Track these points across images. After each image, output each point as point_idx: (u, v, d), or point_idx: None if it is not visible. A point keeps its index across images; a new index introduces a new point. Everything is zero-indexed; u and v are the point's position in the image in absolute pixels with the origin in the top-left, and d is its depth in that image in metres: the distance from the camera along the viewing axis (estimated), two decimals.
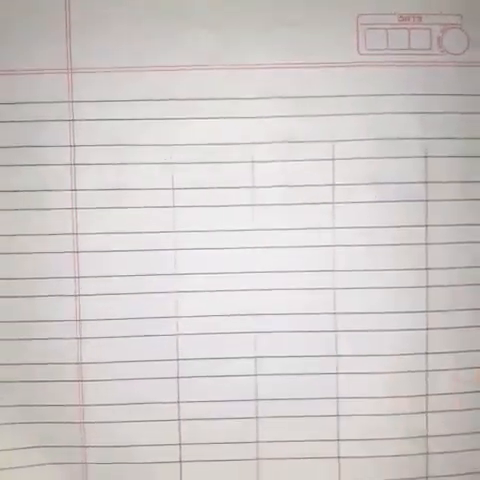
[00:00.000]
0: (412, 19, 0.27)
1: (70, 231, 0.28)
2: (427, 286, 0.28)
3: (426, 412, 0.28)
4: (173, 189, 0.28)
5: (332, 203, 0.28)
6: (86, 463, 0.28)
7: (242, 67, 0.28)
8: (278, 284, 0.28)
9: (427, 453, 0.28)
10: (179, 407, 0.28)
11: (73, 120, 0.27)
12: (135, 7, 0.27)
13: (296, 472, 0.28)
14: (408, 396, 0.28)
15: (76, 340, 0.28)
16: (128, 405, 0.28)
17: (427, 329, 0.28)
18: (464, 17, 0.27)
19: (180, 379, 0.28)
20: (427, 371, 0.28)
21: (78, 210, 0.28)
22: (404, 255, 0.28)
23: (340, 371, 0.28)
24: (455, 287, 0.28)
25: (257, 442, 0.28)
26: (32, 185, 0.28)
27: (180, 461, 0.28)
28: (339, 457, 0.28)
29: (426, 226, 0.28)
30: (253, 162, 0.28)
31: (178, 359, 0.28)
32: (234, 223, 0.28)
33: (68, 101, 0.27)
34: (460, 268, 0.28)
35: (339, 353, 0.28)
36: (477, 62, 0.28)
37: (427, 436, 0.28)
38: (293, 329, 0.28)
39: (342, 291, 0.28)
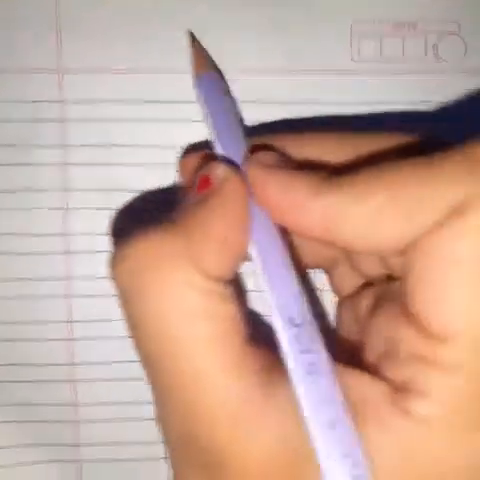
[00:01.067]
0: (407, 27, 0.27)
1: (60, 231, 0.28)
2: None
3: None
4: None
5: None
6: (81, 461, 0.29)
7: (235, 72, 0.27)
8: None
9: None
10: None
11: (64, 120, 0.27)
12: (125, 9, 0.27)
13: None
14: None
15: (68, 341, 0.28)
16: (122, 404, 0.29)
17: None
18: (462, 24, 0.27)
19: None
20: None
21: (69, 210, 0.28)
22: None
23: None
24: None
25: None
26: (22, 185, 0.28)
27: None
28: None
29: None
30: None
31: None
32: None
33: (59, 101, 0.27)
34: None
35: None
36: (475, 70, 0.27)
37: None
38: None
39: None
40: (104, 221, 0.28)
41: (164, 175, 0.28)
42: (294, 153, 0.22)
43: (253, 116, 0.27)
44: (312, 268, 0.26)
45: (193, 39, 0.27)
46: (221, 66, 0.27)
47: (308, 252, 0.23)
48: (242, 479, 0.17)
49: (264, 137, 0.22)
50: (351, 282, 0.24)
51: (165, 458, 0.29)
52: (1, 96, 0.27)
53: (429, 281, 0.17)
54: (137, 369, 0.28)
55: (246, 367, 0.18)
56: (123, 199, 0.28)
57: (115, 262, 0.20)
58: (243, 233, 0.20)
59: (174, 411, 0.19)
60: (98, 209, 0.28)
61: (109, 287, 0.27)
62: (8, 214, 0.28)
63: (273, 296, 0.19)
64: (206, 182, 0.20)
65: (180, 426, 0.19)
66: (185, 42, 0.27)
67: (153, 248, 0.19)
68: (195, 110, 0.26)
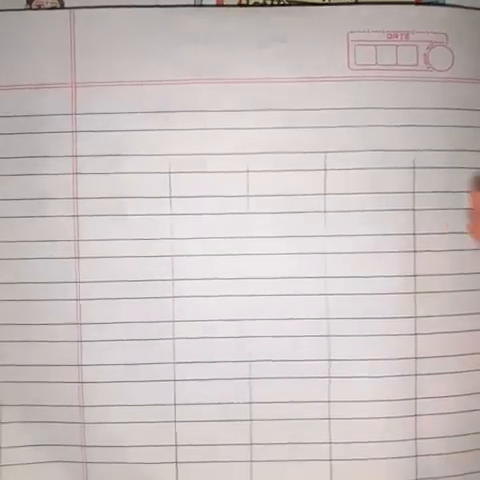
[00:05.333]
0: (400, 36, 0.28)
1: (72, 238, 0.29)
2: (415, 292, 0.29)
3: (415, 415, 0.29)
4: (170, 197, 0.29)
5: (324, 212, 0.29)
6: (86, 462, 0.29)
7: (237, 81, 0.28)
8: (271, 290, 0.29)
9: (416, 456, 0.29)
10: (175, 409, 0.29)
11: (76, 131, 0.28)
12: (135, 25, 0.28)
13: (288, 475, 0.29)
14: (398, 400, 0.29)
15: (77, 343, 0.29)
16: (127, 406, 0.29)
17: (415, 334, 0.29)
18: (449, 36, 0.28)
19: (176, 382, 0.29)
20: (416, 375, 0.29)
21: (79, 217, 0.29)
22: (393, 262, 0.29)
23: (332, 375, 0.29)
24: (443, 293, 0.29)
25: (251, 444, 0.29)
26: (36, 193, 0.28)
27: (176, 462, 0.29)
28: (331, 460, 0.29)
29: (414, 234, 0.29)
30: (248, 172, 0.29)
31: (175, 362, 0.29)
32: (229, 229, 0.29)
33: (72, 114, 0.28)
34: (447, 275, 0.29)
35: (331, 357, 0.29)
36: (461, 78, 0.29)
37: (416, 439, 0.29)
38: (285, 334, 0.29)
39: (334, 297, 0.29)
40: (112, 227, 0.29)
41: (172, 183, 0.29)
42: None
43: (253, 124, 0.28)
44: None
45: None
46: (221, 75, 0.28)
47: None
48: None
49: None
50: None
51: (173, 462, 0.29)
52: (17, 110, 0.28)
53: None
54: (145, 371, 0.29)
55: None
56: (132, 206, 0.29)
57: None
58: None
59: None
60: (108, 216, 0.29)
61: (116, 290, 0.29)
62: (22, 221, 0.29)
63: None
64: None
65: None
66: (189, 56, 0.28)
67: None
68: (206, 120, 0.28)
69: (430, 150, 0.29)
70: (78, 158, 0.28)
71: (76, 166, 0.28)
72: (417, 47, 0.28)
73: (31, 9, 0.29)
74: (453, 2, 0.29)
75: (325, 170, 0.29)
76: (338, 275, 0.29)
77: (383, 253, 0.28)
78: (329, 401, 0.29)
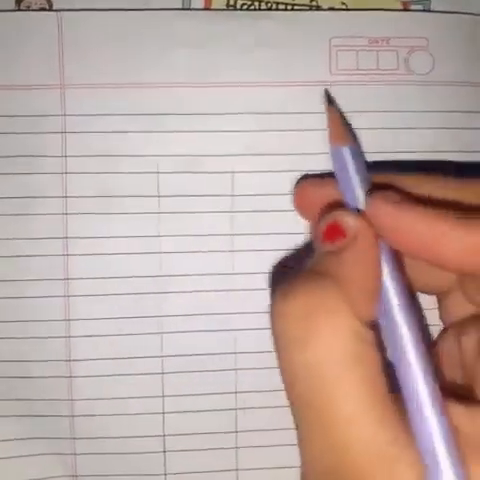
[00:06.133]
0: (380, 42, 0.29)
1: (61, 235, 0.29)
2: None
3: None
4: (158, 197, 0.29)
5: None
6: (75, 454, 0.29)
7: (223, 85, 0.29)
8: (257, 285, 0.29)
9: None
10: (163, 401, 0.30)
11: (66, 132, 0.29)
12: (123, 27, 0.29)
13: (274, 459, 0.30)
14: None
15: (65, 339, 0.29)
16: (116, 399, 0.30)
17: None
18: (430, 40, 0.29)
19: (164, 375, 0.29)
20: None
21: (68, 216, 0.29)
22: None
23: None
24: None
25: (236, 432, 0.30)
26: (26, 192, 0.29)
27: (164, 451, 0.30)
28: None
29: None
30: (233, 173, 0.29)
31: (162, 356, 0.29)
32: (213, 228, 0.29)
33: (61, 115, 0.29)
34: None
35: None
36: (441, 81, 0.29)
37: None
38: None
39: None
40: (101, 225, 0.29)
41: (159, 183, 0.29)
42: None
43: (239, 125, 0.29)
44: (425, 293, 0.27)
45: (329, 101, 0.28)
46: (206, 79, 0.29)
47: (422, 278, 0.24)
48: None
49: (381, 176, 0.24)
50: (462, 311, 0.24)
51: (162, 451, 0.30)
52: (6, 110, 0.29)
53: None
54: (132, 365, 0.29)
55: (390, 410, 0.19)
56: (120, 205, 0.29)
57: (276, 311, 0.21)
58: (378, 277, 0.21)
59: (323, 448, 0.20)
60: (96, 214, 0.29)
61: (106, 287, 0.29)
62: (12, 219, 0.29)
63: (411, 340, 0.20)
64: (336, 230, 0.21)
65: (328, 462, 0.19)
66: (176, 60, 0.29)
67: (310, 299, 0.20)
68: (192, 121, 0.28)
69: (410, 152, 0.29)
70: (68, 158, 0.29)
71: (66, 166, 0.29)
72: (397, 52, 0.29)
73: (20, 10, 0.29)
74: (439, 5, 0.30)
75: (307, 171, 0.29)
76: None
77: None
78: None
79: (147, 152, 0.29)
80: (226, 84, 0.29)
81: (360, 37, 0.29)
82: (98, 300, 0.29)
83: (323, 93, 0.29)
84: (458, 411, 0.19)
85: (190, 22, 0.29)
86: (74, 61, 0.29)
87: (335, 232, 0.21)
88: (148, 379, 0.30)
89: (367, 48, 0.29)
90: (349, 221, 0.21)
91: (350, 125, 0.28)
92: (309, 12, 0.29)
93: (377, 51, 0.29)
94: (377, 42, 0.29)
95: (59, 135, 0.29)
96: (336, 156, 0.24)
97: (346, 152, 0.24)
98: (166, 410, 0.30)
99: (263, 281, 0.29)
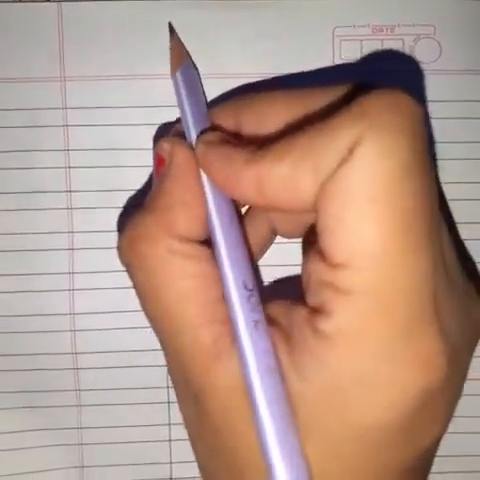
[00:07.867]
0: (385, 30, 0.28)
1: (66, 230, 0.29)
2: None
3: None
4: None
5: None
6: (81, 444, 0.30)
7: (224, 76, 0.28)
8: None
9: None
10: (168, 391, 0.30)
11: (67, 126, 0.29)
12: (124, 18, 0.28)
13: None
14: None
15: (71, 332, 0.30)
16: (122, 389, 0.30)
17: None
18: (437, 27, 0.28)
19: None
20: None
21: (73, 210, 0.29)
22: None
23: None
24: None
25: None
26: (30, 187, 0.29)
27: (169, 440, 0.30)
28: None
29: None
30: None
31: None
32: None
33: (62, 108, 0.29)
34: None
35: None
36: (449, 70, 0.28)
37: None
38: None
39: None
40: (105, 219, 0.29)
41: None
42: (249, 113, 0.23)
43: None
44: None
45: (172, 30, 0.28)
46: (207, 70, 0.28)
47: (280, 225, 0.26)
48: (215, 400, 0.21)
49: (222, 105, 0.25)
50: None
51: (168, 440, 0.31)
52: (6, 104, 0.29)
53: (329, 215, 0.19)
54: (138, 357, 0.30)
55: (218, 317, 0.21)
56: (123, 199, 0.29)
57: (118, 245, 0.23)
58: (199, 195, 0.22)
59: (171, 358, 0.23)
60: (100, 208, 0.29)
61: (108, 281, 0.29)
62: (17, 214, 0.29)
63: (230, 262, 0.21)
64: (161, 159, 0.23)
65: (176, 368, 0.23)
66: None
67: (136, 229, 0.22)
68: None
69: None
70: (70, 152, 0.29)
71: (68, 160, 0.29)
72: (403, 40, 0.28)
73: (19, 1, 0.29)
74: None
75: None
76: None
77: None
78: None
79: (149, 145, 0.29)
80: (227, 75, 0.28)
81: (364, 26, 0.28)
82: (102, 293, 0.29)
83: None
84: (276, 307, 0.22)
85: (190, 12, 0.28)
86: (75, 53, 0.28)
87: (160, 161, 0.23)
88: (153, 370, 0.30)
89: (371, 37, 0.28)
90: (165, 145, 0.23)
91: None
92: (311, 1, 0.28)
93: (382, 40, 0.28)
94: (382, 30, 0.28)
95: (61, 128, 0.29)
96: (175, 87, 0.26)
97: (180, 82, 0.25)
98: (171, 400, 0.30)
99: None
